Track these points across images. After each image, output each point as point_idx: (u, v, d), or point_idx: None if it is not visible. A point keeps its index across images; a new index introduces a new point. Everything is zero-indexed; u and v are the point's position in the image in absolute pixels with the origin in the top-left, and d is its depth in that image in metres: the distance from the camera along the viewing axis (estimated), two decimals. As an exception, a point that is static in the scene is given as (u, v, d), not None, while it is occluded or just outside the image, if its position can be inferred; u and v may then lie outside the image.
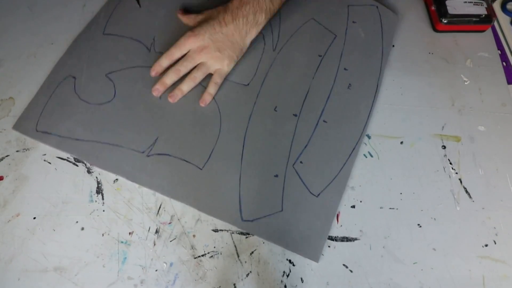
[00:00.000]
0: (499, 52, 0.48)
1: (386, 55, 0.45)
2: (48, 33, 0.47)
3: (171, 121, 0.40)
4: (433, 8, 0.48)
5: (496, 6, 0.53)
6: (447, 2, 0.47)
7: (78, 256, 0.34)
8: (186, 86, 0.41)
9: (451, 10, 0.47)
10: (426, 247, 0.36)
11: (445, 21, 0.47)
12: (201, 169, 0.38)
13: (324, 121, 0.40)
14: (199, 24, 0.42)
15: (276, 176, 0.37)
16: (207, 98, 0.41)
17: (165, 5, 0.47)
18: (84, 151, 0.38)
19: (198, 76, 0.41)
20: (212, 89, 0.41)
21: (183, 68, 0.41)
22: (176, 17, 0.45)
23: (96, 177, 0.38)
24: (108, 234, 0.35)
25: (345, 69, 0.43)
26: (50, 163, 0.39)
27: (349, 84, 0.42)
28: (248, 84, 0.42)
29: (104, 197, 0.37)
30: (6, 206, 0.36)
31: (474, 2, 0.47)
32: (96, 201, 0.37)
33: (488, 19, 0.47)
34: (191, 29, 0.41)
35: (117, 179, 0.38)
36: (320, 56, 0.44)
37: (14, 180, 0.38)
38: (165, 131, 0.39)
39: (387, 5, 0.48)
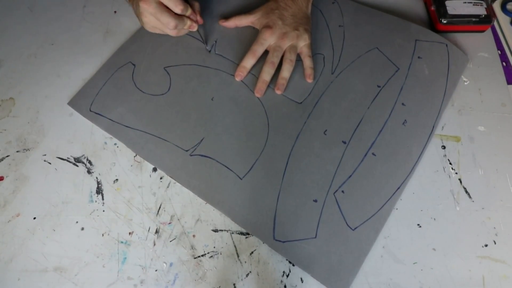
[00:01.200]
0: (499, 52, 0.48)
1: (448, 95, 0.42)
2: (48, 34, 0.47)
3: (219, 124, 0.40)
4: (432, 8, 0.48)
5: (496, 6, 0.53)
6: (446, 3, 0.47)
7: (78, 256, 0.35)
8: (287, 72, 0.42)
9: (451, 10, 0.47)
10: (426, 247, 0.35)
11: (445, 22, 0.47)
12: (241, 179, 0.37)
13: (373, 154, 0.38)
14: (266, 17, 0.44)
15: (315, 201, 0.36)
16: (312, 72, 0.43)
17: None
18: (132, 139, 0.39)
19: (292, 58, 0.43)
20: (311, 62, 0.43)
21: (276, 59, 0.42)
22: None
23: (96, 177, 0.38)
24: (108, 234, 0.35)
25: (403, 104, 0.41)
26: (50, 163, 0.39)
27: (405, 120, 0.40)
28: (301, 103, 0.42)
29: (104, 197, 0.37)
30: (6, 206, 0.37)
31: (474, 3, 0.47)
32: (96, 201, 0.37)
33: (487, 19, 0.47)
34: (265, 26, 0.43)
35: (117, 179, 0.38)
36: (379, 86, 0.42)
37: (14, 180, 0.38)
38: (211, 133, 0.40)
39: (458, 44, 0.47)
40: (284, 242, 0.35)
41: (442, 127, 0.42)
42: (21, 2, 0.49)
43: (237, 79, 0.43)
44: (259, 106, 0.42)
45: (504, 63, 0.47)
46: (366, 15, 0.48)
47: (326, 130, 0.40)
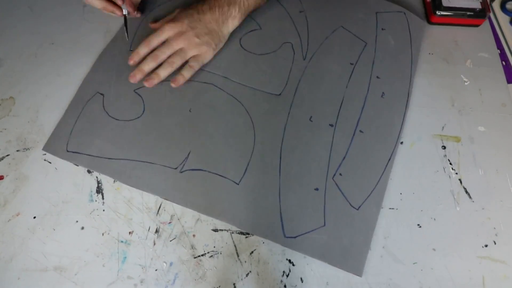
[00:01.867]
0: (499, 51, 0.48)
1: (415, 61, 0.44)
2: (48, 33, 0.47)
3: (203, 134, 0.39)
4: (428, 0, 0.49)
5: (496, 6, 0.53)
6: None
7: (78, 256, 0.35)
8: (163, 71, 0.41)
9: (446, 2, 0.47)
10: (426, 247, 0.35)
11: (439, 14, 0.47)
12: (237, 184, 0.37)
13: (361, 131, 0.39)
14: (178, 13, 0.43)
15: (317, 189, 0.36)
16: (179, 79, 0.41)
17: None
18: (116, 170, 0.37)
19: (176, 61, 0.41)
20: (186, 72, 0.41)
21: (161, 54, 0.41)
22: None
23: (96, 177, 0.38)
24: (108, 234, 0.35)
25: (377, 77, 0.42)
26: (50, 162, 0.39)
27: (382, 92, 0.42)
28: (280, 94, 0.42)
29: (104, 197, 0.37)
30: (6, 206, 0.37)
31: None
32: (96, 200, 0.37)
33: (482, 13, 0.47)
34: (170, 19, 0.42)
35: (117, 179, 0.38)
36: (352, 64, 0.43)
37: (15, 180, 0.38)
38: (197, 145, 0.39)
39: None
40: (295, 237, 0.35)
41: (443, 127, 0.42)
42: (22, 1, 0.49)
43: (130, 63, 0.41)
44: (239, 106, 0.41)
45: (503, 62, 0.47)
46: None
47: (311, 117, 0.40)
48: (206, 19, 0.42)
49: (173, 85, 0.41)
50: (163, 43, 0.41)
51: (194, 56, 0.42)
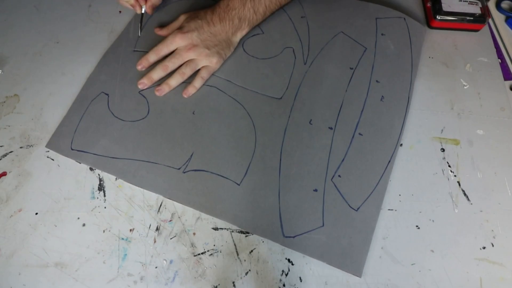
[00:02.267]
0: (494, 50, 0.48)
1: (415, 66, 0.45)
2: (53, 32, 0.48)
3: (206, 136, 0.40)
4: (428, 5, 0.50)
5: (491, 5, 0.54)
6: (442, 0, 0.48)
7: (79, 252, 0.35)
8: (174, 81, 0.42)
9: (446, 7, 0.48)
10: (424, 248, 0.36)
11: (439, 18, 0.47)
12: (238, 185, 0.37)
13: (360, 134, 0.40)
14: (187, 22, 0.43)
15: (316, 190, 0.37)
16: (190, 89, 0.42)
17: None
18: (121, 169, 0.38)
19: (186, 72, 0.42)
20: (197, 82, 0.42)
21: (171, 64, 0.41)
22: None
23: (98, 174, 0.38)
24: (109, 231, 0.36)
25: (377, 81, 0.43)
26: (53, 159, 0.39)
27: (382, 96, 0.42)
28: (281, 98, 0.42)
29: (106, 194, 0.37)
30: (8, 202, 0.37)
31: (469, 2, 0.48)
32: (97, 198, 0.37)
33: (482, 18, 0.47)
34: (179, 29, 0.42)
35: (119, 177, 0.38)
36: (351, 68, 0.44)
37: (17, 176, 0.38)
38: (200, 146, 0.39)
39: (414, 15, 0.48)
40: (294, 237, 0.35)
41: (442, 130, 0.42)
42: (28, 1, 0.50)
43: (138, 68, 0.42)
44: (241, 110, 0.41)
45: (499, 60, 0.48)
46: (325, 2, 0.49)
47: (311, 120, 0.41)
48: (216, 31, 0.42)
49: (185, 95, 0.42)
50: (172, 51, 0.42)
51: (204, 67, 0.42)
